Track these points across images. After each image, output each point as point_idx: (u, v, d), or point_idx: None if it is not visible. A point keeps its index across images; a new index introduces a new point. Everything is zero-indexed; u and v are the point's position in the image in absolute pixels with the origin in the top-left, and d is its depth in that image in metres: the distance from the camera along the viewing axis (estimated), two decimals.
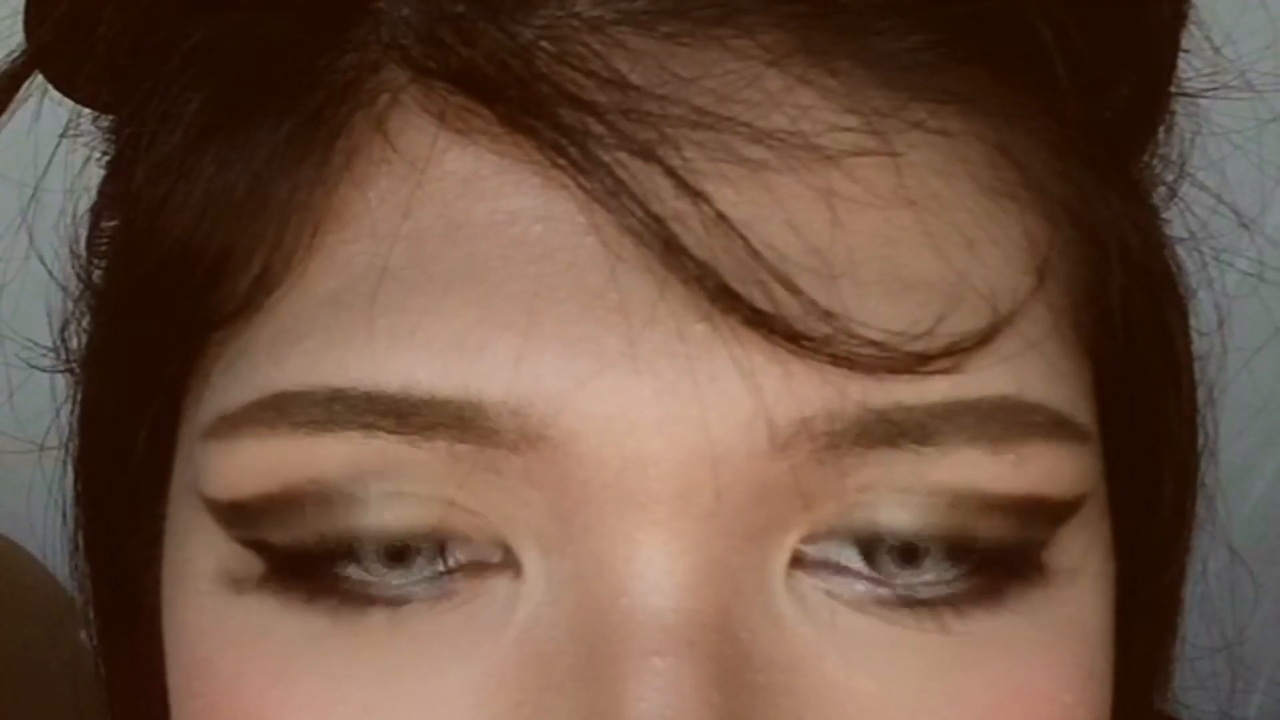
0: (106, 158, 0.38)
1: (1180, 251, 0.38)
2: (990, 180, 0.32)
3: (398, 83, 0.31)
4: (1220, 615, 0.50)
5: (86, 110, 0.38)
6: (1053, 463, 0.32)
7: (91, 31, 0.34)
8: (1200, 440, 0.39)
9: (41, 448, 0.41)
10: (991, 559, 0.32)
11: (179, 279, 0.33)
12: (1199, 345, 0.39)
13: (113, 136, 0.38)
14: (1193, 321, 0.38)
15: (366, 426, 0.30)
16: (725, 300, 0.29)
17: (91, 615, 0.41)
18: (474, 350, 0.30)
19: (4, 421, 0.43)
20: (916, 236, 0.31)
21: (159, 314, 0.34)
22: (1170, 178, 0.38)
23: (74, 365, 0.39)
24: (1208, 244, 0.38)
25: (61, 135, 0.39)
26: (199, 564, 0.33)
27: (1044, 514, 0.32)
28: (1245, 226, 0.39)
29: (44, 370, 0.40)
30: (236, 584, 0.33)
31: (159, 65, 0.33)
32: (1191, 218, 0.38)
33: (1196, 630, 0.48)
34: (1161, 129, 0.38)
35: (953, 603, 0.32)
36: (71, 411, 0.39)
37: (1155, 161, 0.38)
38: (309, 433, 0.31)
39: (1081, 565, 0.33)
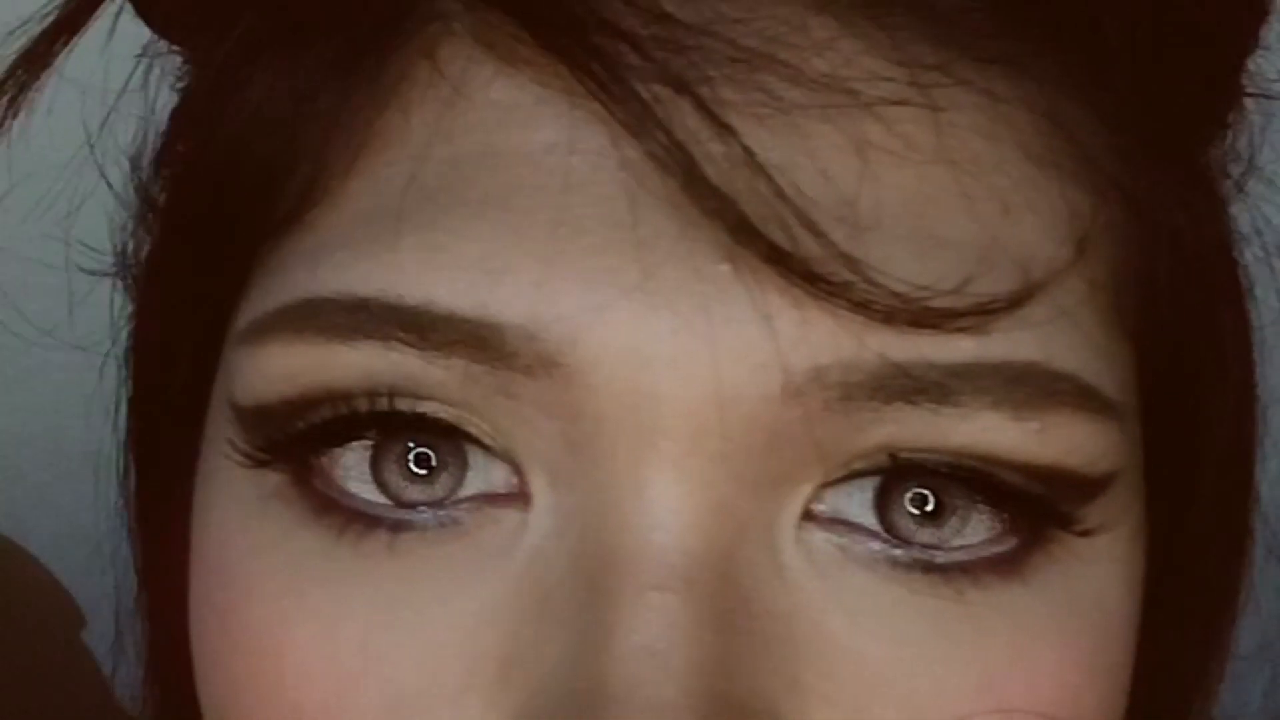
0: (180, 85, 0.38)
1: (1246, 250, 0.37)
2: (1036, 147, 0.32)
3: (451, 11, 0.32)
4: None
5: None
6: (1078, 435, 0.31)
7: None
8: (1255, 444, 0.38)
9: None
10: (1017, 522, 0.32)
11: (232, 188, 0.34)
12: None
13: (187, 65, 0.38)
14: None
15: (386, 338, 0.31)
16: (743, 236, 0.29)
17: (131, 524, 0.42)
18: (496, 273, 0.30)
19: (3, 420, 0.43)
20: (952, 196, 0.31)
21: (216, 224, 0.35)
22: (1238, 172, 0.37)
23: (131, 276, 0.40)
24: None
25: (138, 56, 0.39)
26: (226, 473, 0.34)
27: (1069, 488, 0.32)
28: None
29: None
30: (259, 495, 0.33)
31: None
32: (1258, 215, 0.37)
33: None
34: (1231, 120, 0.37)
35: (970, 571, 0.31)
36: (127, 324, 0.40)
37: (1223, 154, 0.37)
38: (330, 339, 0.31)
39: (1106, 548, 0.33)
